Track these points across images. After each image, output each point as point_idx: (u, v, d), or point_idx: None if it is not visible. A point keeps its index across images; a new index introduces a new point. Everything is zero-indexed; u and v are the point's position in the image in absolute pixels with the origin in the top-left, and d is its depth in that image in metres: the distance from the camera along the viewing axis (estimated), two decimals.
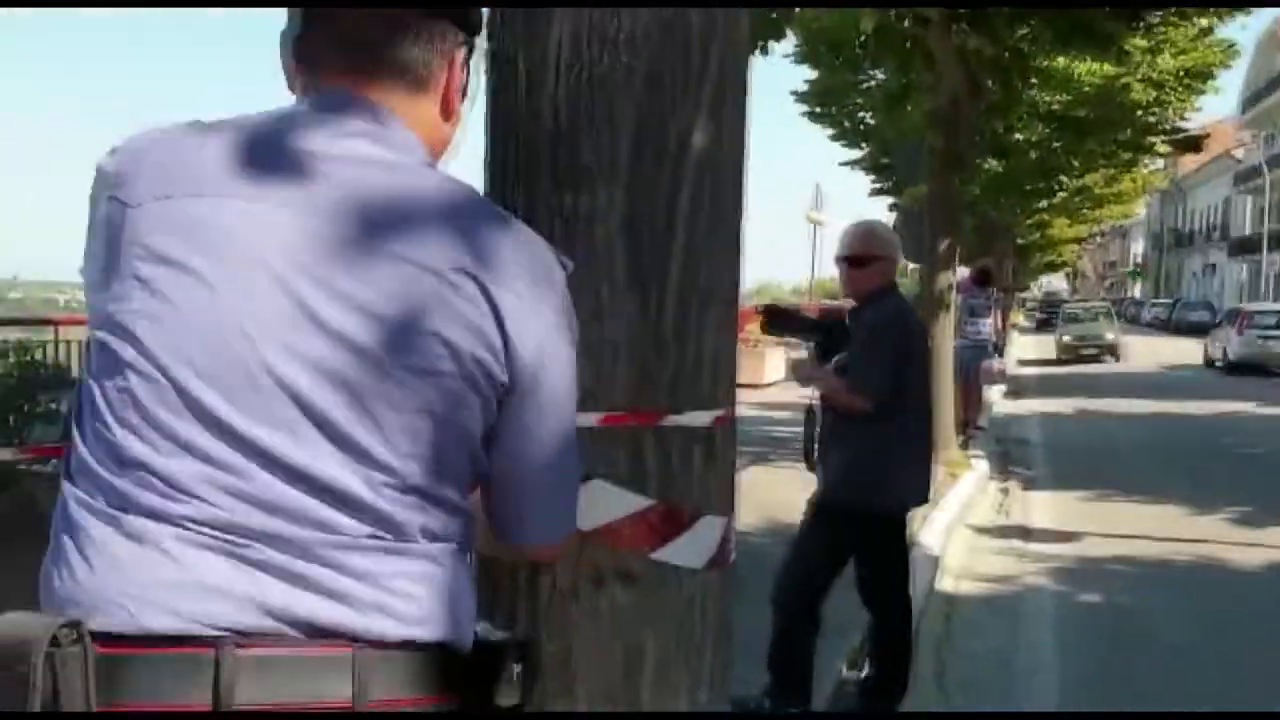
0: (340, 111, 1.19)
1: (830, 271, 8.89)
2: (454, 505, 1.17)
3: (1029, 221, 28.10)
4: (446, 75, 1.26)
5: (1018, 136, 16.50)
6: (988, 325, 12.14)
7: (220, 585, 1.06)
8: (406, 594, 1.13)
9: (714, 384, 1.63)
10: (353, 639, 1.09)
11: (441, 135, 1.28)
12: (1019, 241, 31.11)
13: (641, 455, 1.58)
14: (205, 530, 1.07)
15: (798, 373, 3.94)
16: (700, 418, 1.61)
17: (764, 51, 9.48)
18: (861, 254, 3.65)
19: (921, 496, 3.83)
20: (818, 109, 17.33)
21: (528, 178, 1.58)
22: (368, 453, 1.10)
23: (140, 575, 1.06)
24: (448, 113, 1.28)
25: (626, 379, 1.56)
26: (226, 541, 1.07)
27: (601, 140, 1.53)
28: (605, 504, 1.55)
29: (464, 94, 1.29)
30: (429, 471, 1.13)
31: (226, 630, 1.05)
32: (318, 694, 1.06)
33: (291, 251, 1.10)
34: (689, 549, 1.61)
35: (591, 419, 1.55)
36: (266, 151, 1.14)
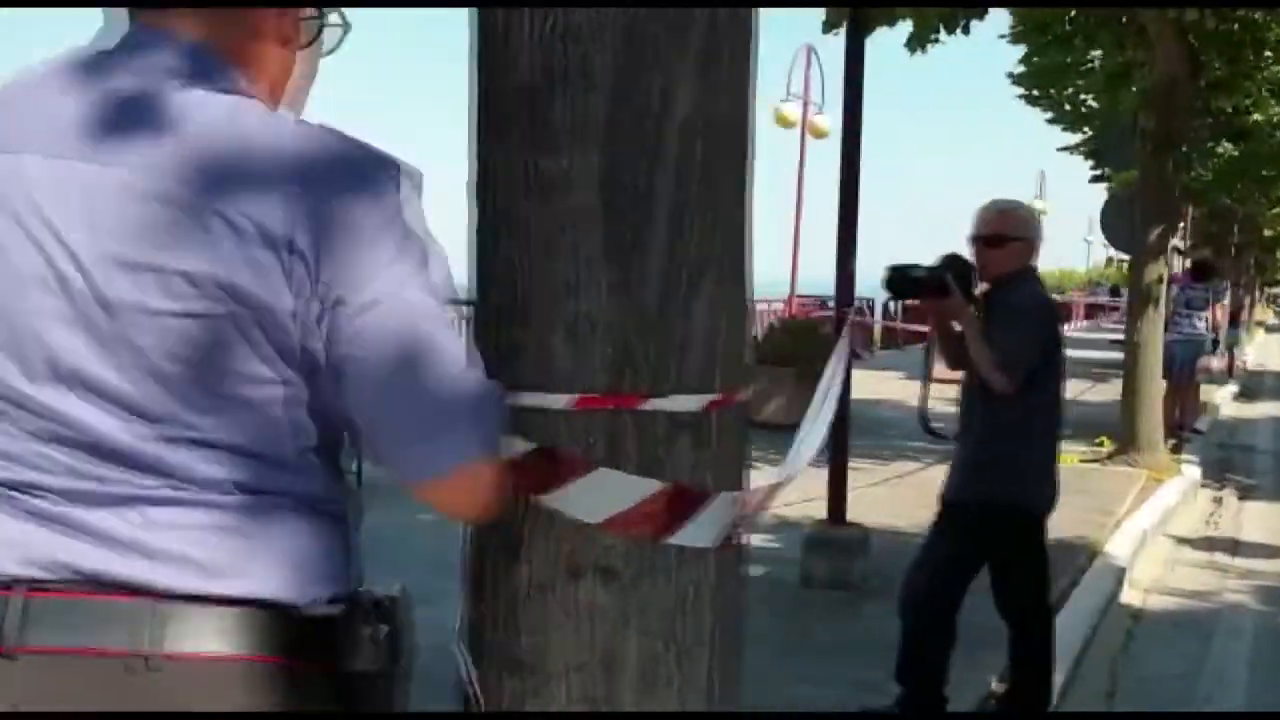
0: (146, 48, 1.15)
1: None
2: (270, 459, 1.12)
3: (1275, 211, 25.93)
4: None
5: (1255, 117, 15.19)
6: (1205, 320, 11.26)
7: (5, 538, 1.09)
8: (208, 546, 1.09)
9: (707, 365, 1.49)
10: (147, 591, 1.08)
11: (281, 64, 1.25)
12: (1266, 233, 28.88)
13: (619, 441, 1.45)
14: None
15: (945, 314, 3.54)
16: (687, 402, 1.47)
17: (965, 31, 9.07)
18: (997, 234, 3.39)
19: (1052, 499, 3.53)
20: (1034, 91, 16.46)
21: (500, 139, 1.48)
22: (124, 401, 1.07)
23: None
24: (283, 39, 1.25)
25: (604, 359, 1.44)
26: (8, 496, 1.10)
27: (574, 98, 1.41)
28: (612, 492, 1.44)
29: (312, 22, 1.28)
30: (219, 423, 1.09)
31: (13, 578, 1.08)
32: (99, 642, 1.06)
33: (44, 204, 1.09)
34: (701, 529, 1.48)
35: (564, 401, 1.44)
36: (65, 99, 1.12)
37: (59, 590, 1.07)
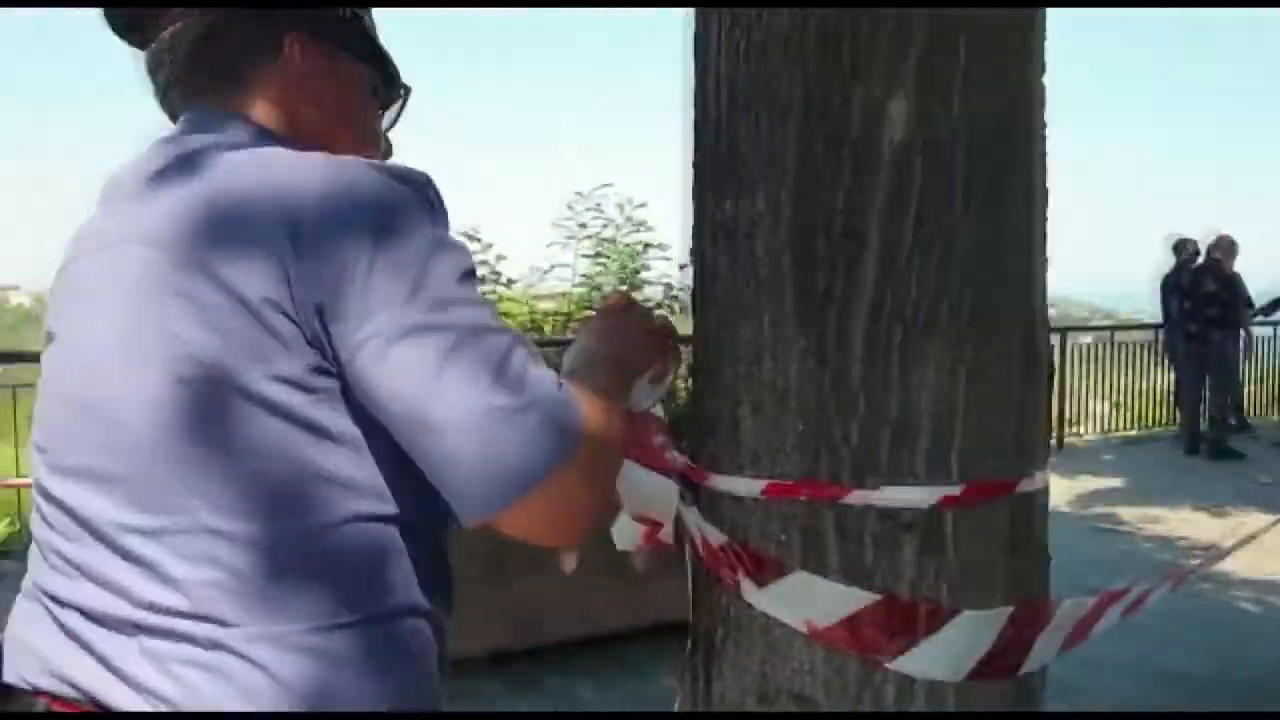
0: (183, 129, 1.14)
1: None
2: (290, 563, 1.01)
3: None
4: (285, 63, 1.17)
5: None
6: None
7: (35, 645, 1.08)
8: (184, 682, 0.99)
9: (939, 449, 1.16)
10: None
11: (306, 125, 1.17)
12: None
13: (817, 540, 1.18)
14: (39, 587, 1.10)
15: None
16: (909, 495, 1.16)
17: None
18: None
19: None
20: None
21: (697, 180, 1.27)
22: (129, 493, 1.03)
23: (11, 628, 1.12)
24: (313, 100, 1.17)
25: (796, 438, 1.18)
26: (46, 602, 1.09)
27: (761, 126, 1.17)
28: (812, 598, 1.19)
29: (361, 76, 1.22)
30: (231, 510, 1.01)
31: (35, 688, 1.06)
32: None
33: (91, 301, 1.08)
34: (935, 655, 1.17)
35: (752, 486, 1.20)
36: (115, 193, 1.13)
37: (73, 706, 1.04)
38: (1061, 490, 8.28)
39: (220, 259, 0.99)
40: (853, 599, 1.17)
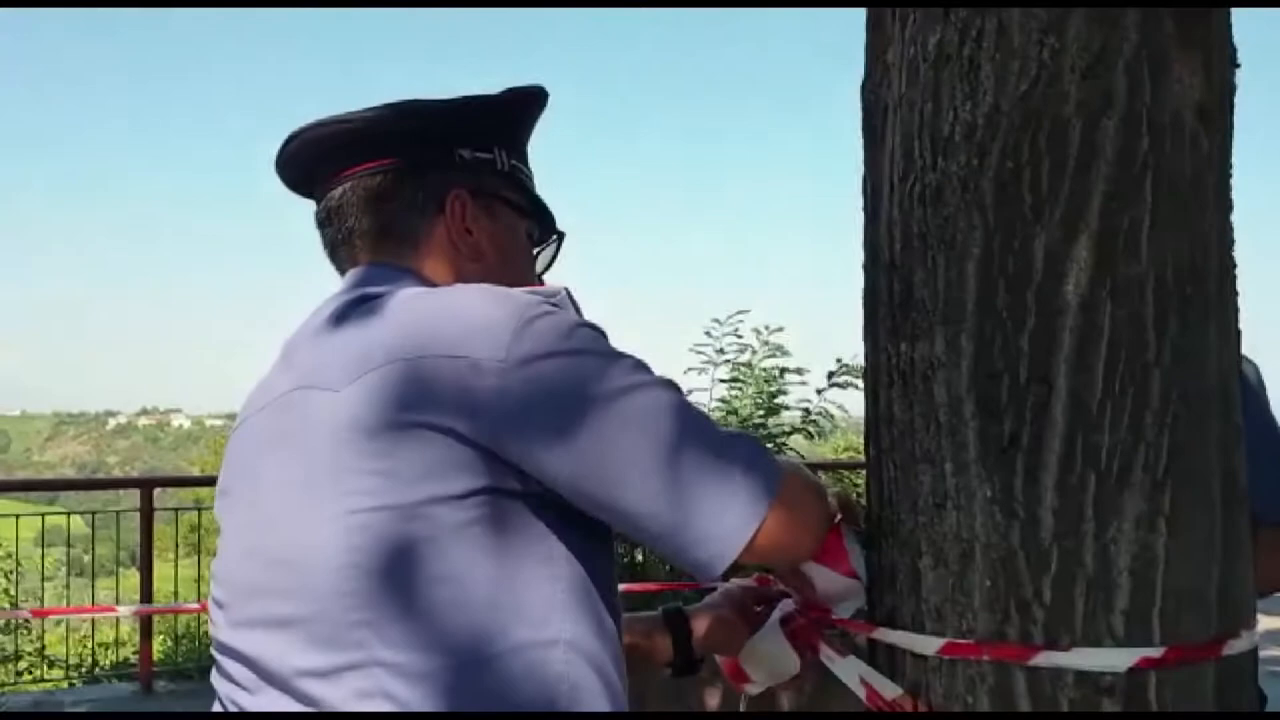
0: (344, 291, 1.18)
1: None
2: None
3: None
4: (446, 219, 1.23)
5: None
6: None
7: None
8: None
9: (1138, 607, 1.09)
10: None
11: (469, 277, 1.19)
12: None
13: (1011, 701, 1.11)
14: None
15: None
16: (1106, 658, 1.08)
17: None
18: None
19: None
20: None
21: (869, 321, 1.25)
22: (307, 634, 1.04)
23: None
24: (474, 254, 1.22)
25: (984, 594, 1.12)
26: None
27: (938, 268, 1.15)
28: None
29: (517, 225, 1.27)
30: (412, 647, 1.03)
31: None
32: None
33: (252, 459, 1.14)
34: None
35: (932, 645, 1.14)
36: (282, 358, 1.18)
37: None
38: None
39: (392, 394, 1.01)
40: None
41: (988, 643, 1.12)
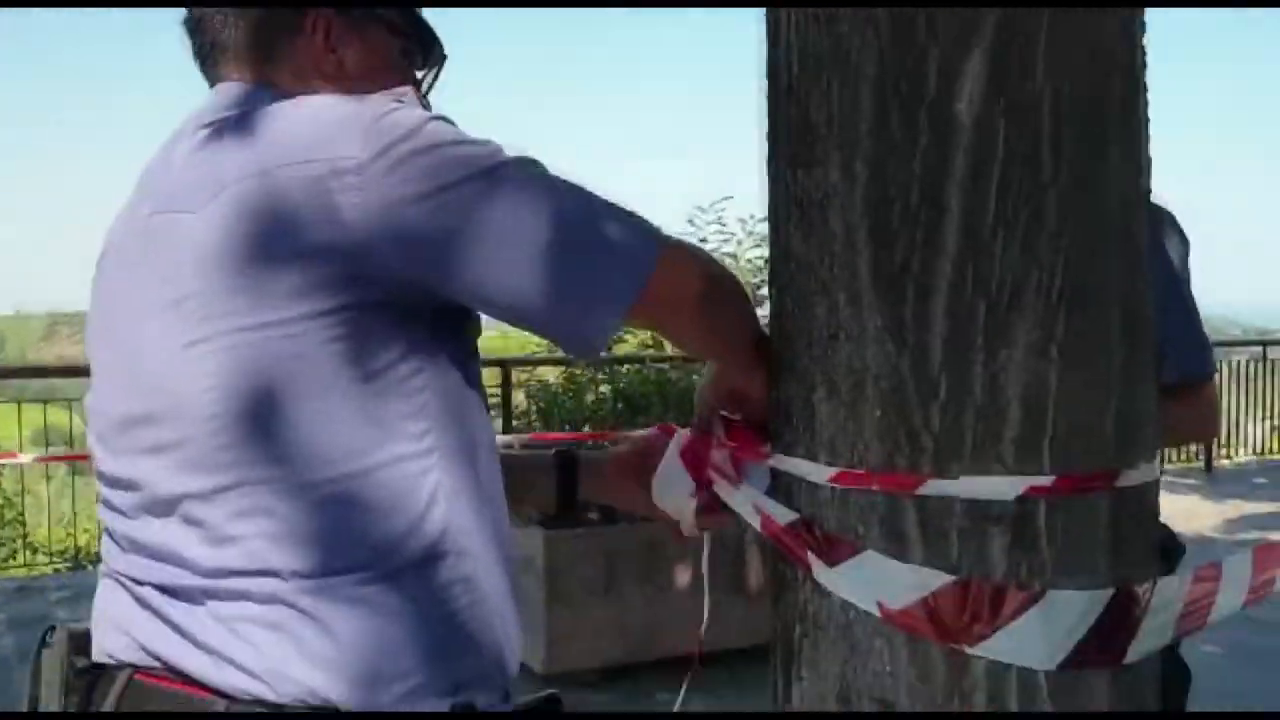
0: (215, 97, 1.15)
1: None
2: (330, 536, 1.01)
3: None
4: (307, 36, 1.17)
5: None
6: None
7: (120, 622, 1.09)
8: (248, 641, 1.00)
9: (1029, 436, 1.07)
10: (219, 692, 1.01)
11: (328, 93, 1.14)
12: None
13: (899, 533, 1.10)
14: (114, 570, 1.12)
15: None
16: (994, 487, 1.07)
17: None
18: None
19: None
20: None
21: (771, 152, 1.21)
22: (184, 459, 1.03)
23: (96, 609, 1.15)
24: (337, 72, 1.17)
25: (874, 424, 1.10)
26: (124, 582, 1.10)
27: (833, 91, 1.10)
28: (886, 579, 1.11)
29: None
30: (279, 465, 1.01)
31: (127, 663, 1.06)
32: None
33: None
34: (1025, 639, 1.08)
35: (826, 473, 1.13)
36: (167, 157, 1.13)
37: (160, 678, 1.05)
38: (1210, 515, 7.87)
39: (252, 212, 0.98)
40: (931, 580, 1.08)
41: (878, 472, 1.10)
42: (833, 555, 1.13)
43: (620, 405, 4.77)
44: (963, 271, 1.06)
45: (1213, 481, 9.18)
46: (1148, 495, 1.16)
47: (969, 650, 1.08)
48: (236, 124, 1.06)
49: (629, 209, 1.09)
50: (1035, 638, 1.08)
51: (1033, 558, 1.08)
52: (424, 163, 1.00)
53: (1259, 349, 11.12)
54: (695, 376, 5.76)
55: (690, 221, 7.67)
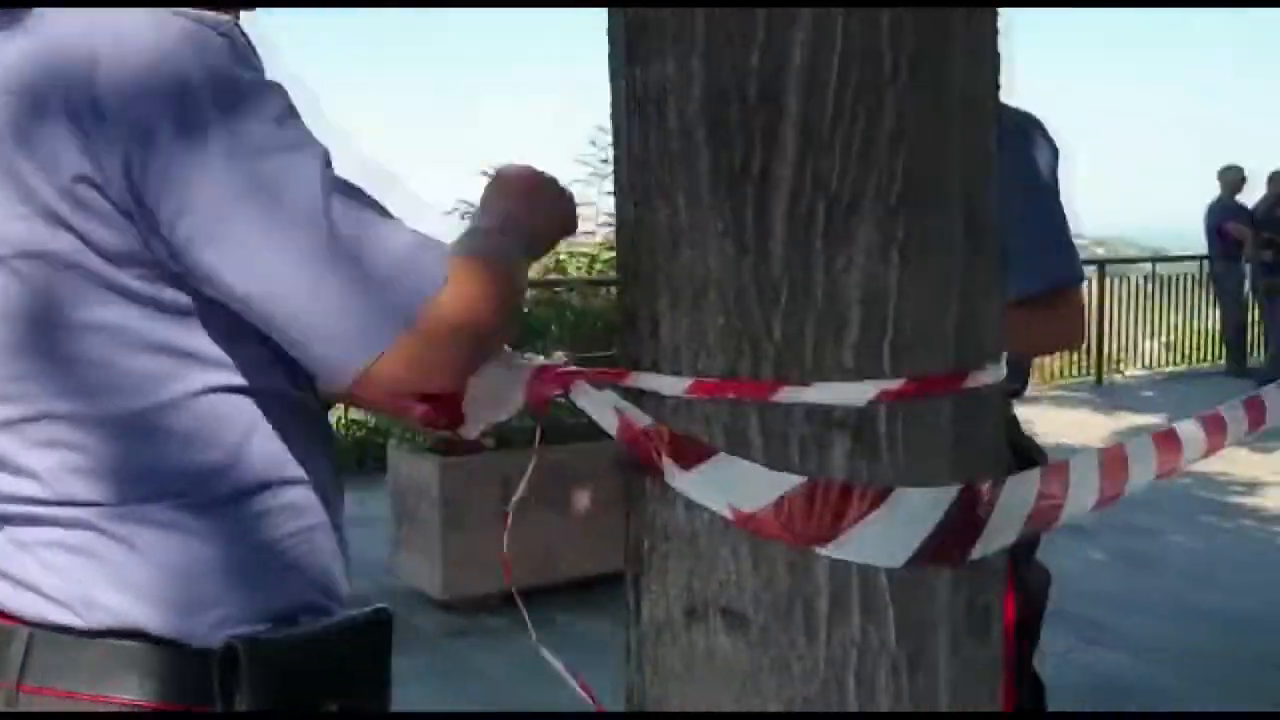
0: None
1: None
2: (121, 458, 0.95)
3: None
4: None
5: None
6: None
7: None
8: (56, 570, 0.95)
9: (870, 340, 1.05)
10: (21, 618, 0.97)
11: None
12: None
13: (744, 444, 1.08)
14: None
15: None
16: (841, 392, 1.05)
17: None
18: None
19: None
20: None
21: (612, 44, 1.16)
22: None
23: None
24: None
25: (718, 332, 1.07)
26: None
27: None
28: (736, 481, 1.09)
29: None
30: (73, 399, 0.94)
31: None
32: None
33: None
34: (873, 538, 1.07)
35: (675, 385, 1.10)
36: None
37: None
38: (1099, 427, 8.12)
39: (19, 139, 0.91)
40: (782, 482, 1.06)
41: (722, 381, 1.07)
42: (688, 459, 1.10)
43: (580, 325, 4.77)
44: (802, 172, 1.03)
45: (1104, 395, 9.46)
46: (993, 398, 1.16)
47: (820, 551, 1.07)
48: (13, 26, 0.96)
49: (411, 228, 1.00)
50: (882, 537, 1.07)
51: (874, 464, 1.07)
52: (216, 126, 0.90)
53: (1150, 266, 11.44)
54: (596, 299, 5.71)
55: (592, 143, 7.57)
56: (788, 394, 1.06)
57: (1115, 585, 4.79)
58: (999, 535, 1.13)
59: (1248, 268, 9.83)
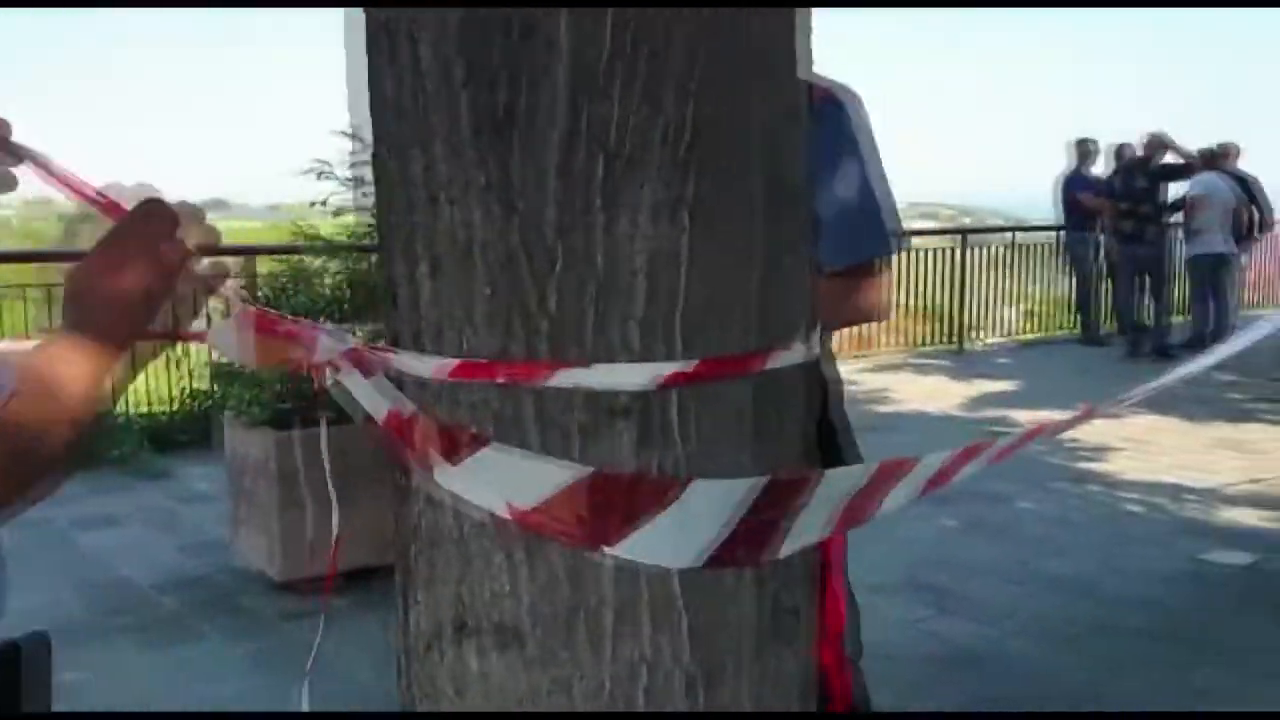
0: None
1: None
2: None
3: None
4: None
5: None
6: None
7: None
8: None
9: (657, 315, 0.92)
10: None
11: None
12: None
13: (518, 431, 0.93)
14: None
15: None
16: (626, 374, 0.91)
17: None
18: None
19: None
20: None
21: None
22: None
23: None
24: None
25: (485, 305, 0.93)
26: None
27: None
28: (511, 473, 0.94)
29: None
30: None
31: None
32: None
33: None
34: (664, 535, 0.94)
35: (436, 366, 0.95)
36: None
37: None
38: (955, 394, 8.23)
39: None
40: (563, 475, 0.93)
41: (491, 362, 0.93)
42: (455, 451, 0.96)
43: (351, 293, 4.44)
44: (575, 119, 0.88)
45: (962, 362, 9.62)
46: (801, 379, 1.04)
47: (606, 553, 0.94)
48: None
49: None
50: (675, 536, 0.95)
51: (666, 453, 0.94)
52: None
53: (1010, 235, 11.69)
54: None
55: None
56: (565, 376, 0.91)
57: (967, 552, 4.83)
58: (809, 531, 1.01)
59: (1100, 238, 10.09)
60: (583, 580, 0.95)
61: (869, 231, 1.76)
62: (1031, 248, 11.42)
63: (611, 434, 0.93)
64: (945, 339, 10.36)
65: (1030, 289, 11.50)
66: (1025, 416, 7.21)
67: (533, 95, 0.88)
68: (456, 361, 0.94)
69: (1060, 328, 11.28)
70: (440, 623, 1.00)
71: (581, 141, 0.88)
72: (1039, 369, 9.23)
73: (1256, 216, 9.88)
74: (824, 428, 1.60)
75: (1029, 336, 11.14)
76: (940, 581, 4.43)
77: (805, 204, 1.02)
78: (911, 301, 10.24)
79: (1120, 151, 9.90)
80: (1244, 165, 9.89)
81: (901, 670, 3.55)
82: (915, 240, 10.45)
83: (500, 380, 0.93)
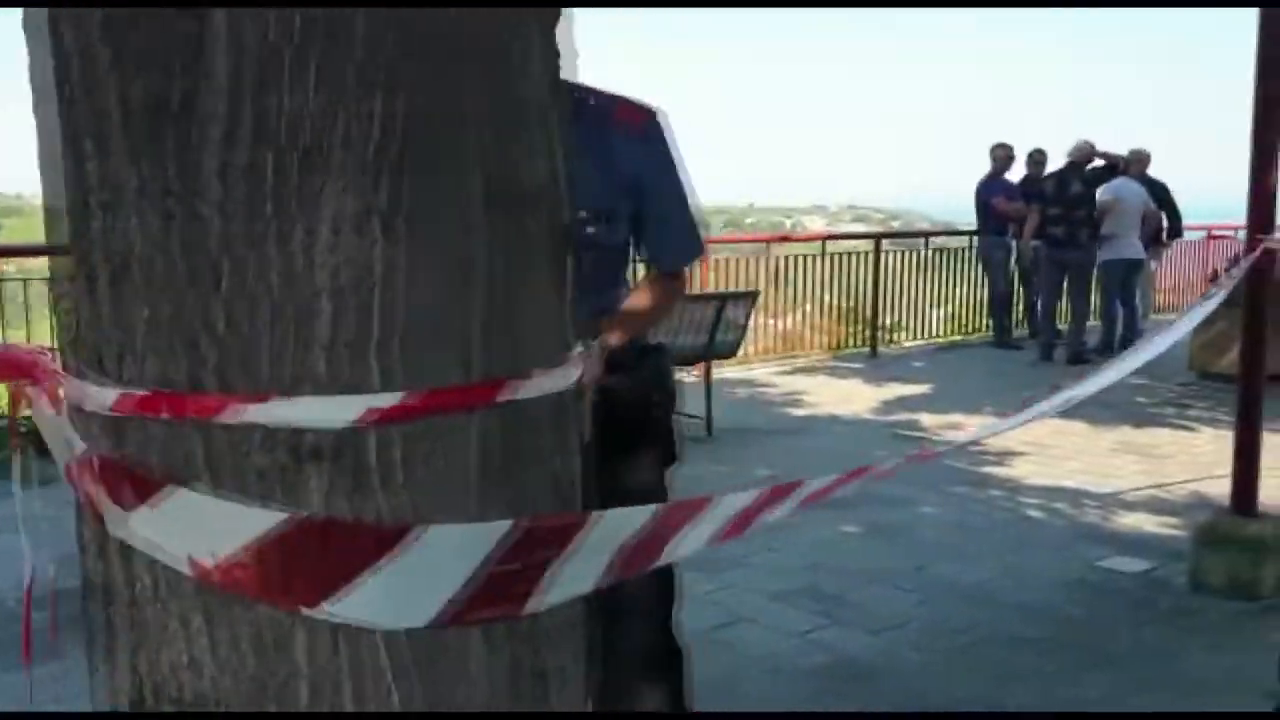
0: None
1: None
2: None
3: None
4: None
5: None
6: None
7: None
8: None
9: (349, 341, 0.79)
10: None
11: None
12: None
13: (189, 475, 0.80)
14: None
15: None
16: (313, 410, 0.78)
17: None
18: None
19: None
20: None
21: None
22: None
23: None
24: None
25: (144, 328, 0.79)
26: None
27: None
28: (201, 519, 0.80)
29: None
30: None
31: None
32: None
33: None
34: (388, 592, 0.81)
35: (101, 399, 0.81)
36: None
37: None
38: (867, 398, 8.20)
39: None
40: (261, 522, 0.79)
41: (153, 394, 0.79)
42: (128, 496, 0.82)
43: None
44: (238, 110, 0.75)
45: (876, 366, 9.61)
46: (551, 411, 0.91)
47: (307, 612, 0.80)
48: None
49: None
50: (402, 590, 0.82)
51: (365, 502, 0.81)
52: None
53: (940, 239, 11.74)
54: None
55: None
56: (239, 412, 0.78)
57: (864, 559, 4.75)
58: (579, 580, 0.88)
59: (1014, 243, 10.14)
60: (273, 648, 0.81)
61: (687, 237, 1.94)
62: (954, 252, 11.47)
63: (298, 481, 0.79)
64: (861, 343, 10.36)
65: (953, 292, 11.55)
66: (935, 420, 7.18)
67: (188, 81, 0.74)
68: (116, 392, 0.80)
69: (975, 331, 11.34)
70: (118, 697, 0.86)
71: (246, 135, 0.75)
72: (952, 372, 9.24)
73: (1166, 223, 10.01)
74: (653, 404, 1.76)
75: (945, 340, 11.19)
76: (835, 590, 4.34)
77: (553, 210, 0.89)
78: (833, 303, 10.21)
79: (1034, 156, 9.94)
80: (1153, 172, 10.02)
81: (789, 685, 3.45)
82: (842, 244, 10.55)
83: (163, 416, 0.79)
